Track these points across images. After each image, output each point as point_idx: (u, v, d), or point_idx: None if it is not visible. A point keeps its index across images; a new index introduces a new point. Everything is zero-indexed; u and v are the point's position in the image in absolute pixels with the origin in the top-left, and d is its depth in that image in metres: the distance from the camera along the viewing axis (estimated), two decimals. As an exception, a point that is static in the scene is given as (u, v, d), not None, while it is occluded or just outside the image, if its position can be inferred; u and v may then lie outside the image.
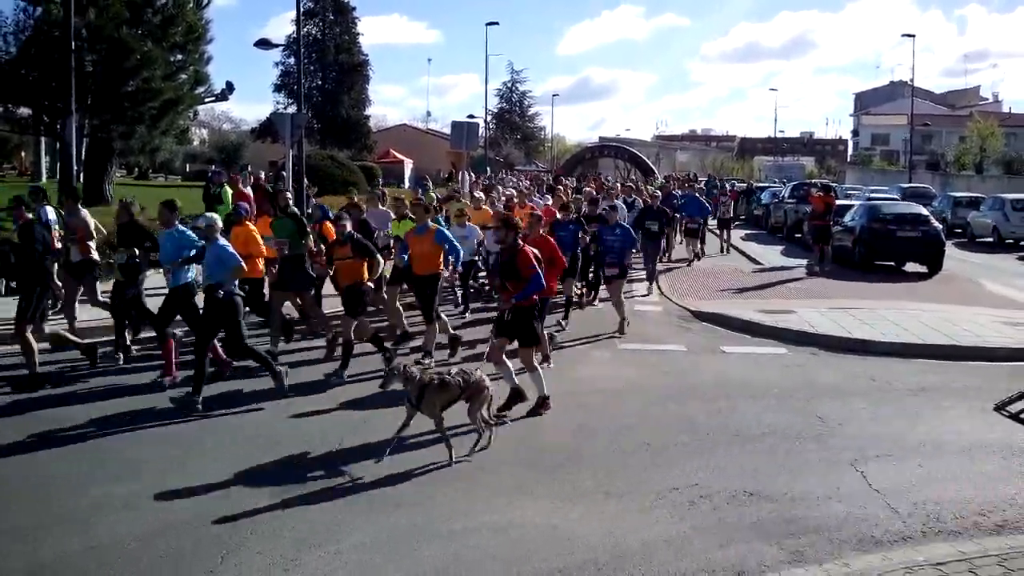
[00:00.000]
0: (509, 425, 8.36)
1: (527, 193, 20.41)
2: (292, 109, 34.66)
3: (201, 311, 9.51)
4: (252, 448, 7.70)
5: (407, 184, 51.00)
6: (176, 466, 7.25)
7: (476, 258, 14.91)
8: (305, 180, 21.08)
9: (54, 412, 8.67)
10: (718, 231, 25.75)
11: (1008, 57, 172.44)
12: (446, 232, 11.64)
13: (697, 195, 23.16)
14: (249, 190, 17.41)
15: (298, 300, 12.13)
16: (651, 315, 14.75)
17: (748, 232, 31.81)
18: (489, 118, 66.03)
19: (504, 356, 8.85)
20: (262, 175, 21.24)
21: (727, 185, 33.83)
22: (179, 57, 25.40)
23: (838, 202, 24.32)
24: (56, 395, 9.37)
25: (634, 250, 13.69)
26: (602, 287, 16.44)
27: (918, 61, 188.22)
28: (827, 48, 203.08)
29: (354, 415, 8.65)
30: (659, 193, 20.51)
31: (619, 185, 26.34)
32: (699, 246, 22.71)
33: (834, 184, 39.91)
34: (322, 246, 11.45)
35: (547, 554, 5.63)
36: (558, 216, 13.72)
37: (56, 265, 11.21)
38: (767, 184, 47.44)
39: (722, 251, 24.70)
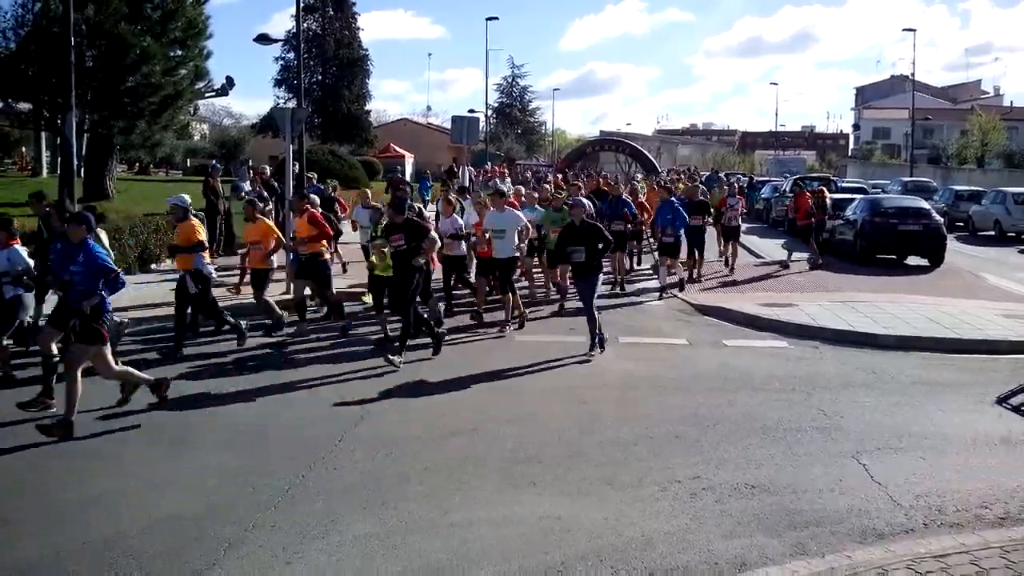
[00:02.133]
0: (511, 418, 8.36)
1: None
2: (292, 104, 34.65)
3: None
4: (251, 442, 7.73)
5: (408, 178, 50.99)
6: (174, 461, 7.26)
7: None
8: (313, 175, 21.07)
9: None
10: (722, 240, 19.78)
11: (1011, 51, 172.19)
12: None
13: (673, 200, 16.74)
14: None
15: None
16: (652, 309, 14.73)
17: (749, 226, 31.75)
18: (490, 113, 66.04)
19: None
20: (267, 171, 21.23)
21: (735, 182, 26.05)
22: (179, 52, 25.38)
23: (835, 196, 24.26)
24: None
25: (104, 293, 7.94)
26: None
27: (921, 55, 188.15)
28: (829, 42, 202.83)
29: (354, 409, 8.64)
30: (584, 201, 13.76)
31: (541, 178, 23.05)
32: (681, 271, 16.66)
33: (834, 178, 39.86)
34: None
35: (549, 547, 5.63)
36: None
37: None
38: (767, 178, 47.40)
39: (726, 264, 19.40)
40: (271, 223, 12.99)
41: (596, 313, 11.26)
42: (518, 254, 13.05)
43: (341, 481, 6.77)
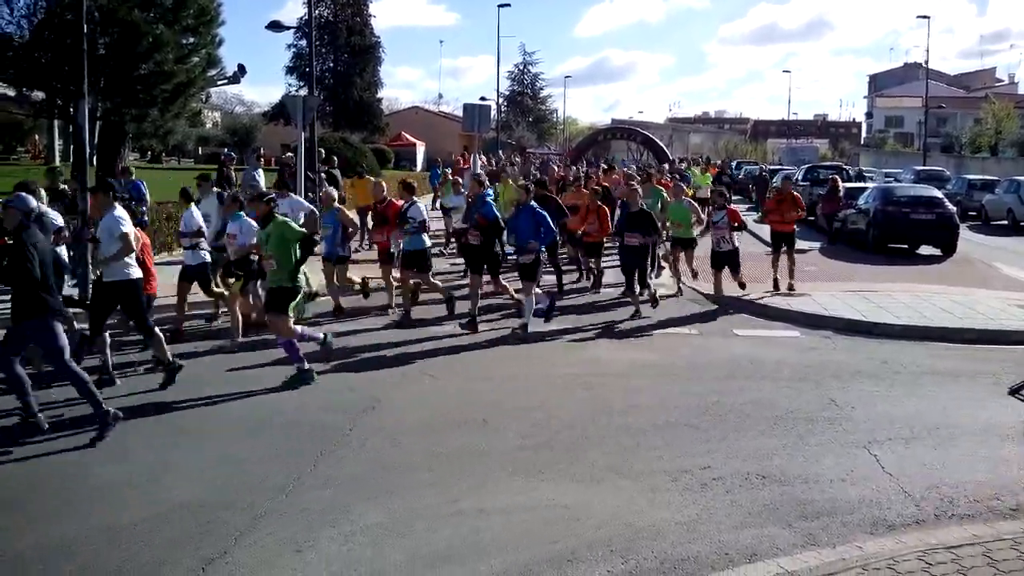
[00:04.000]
0: (521, 407, 8.37)
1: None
2: (304, 92, 34.64)
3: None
4: (259, 432, 7.74)
5: (419, 166, 51.00)
6: (182, 450, 7.27)
7: None
8: (334, 158, 20.95)
9: (54, 397, 8.61)
10: (712, 268, 14.47)
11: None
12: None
13: (534, 205, 12.18)
14: None
15: None
16: (664, 298, 14.66)
17: (756, 216, 31.61)
18: (501, 101, 65.97)
19: None
20: (293, 158, 21.25)
21: (719, 189, 16.50)
22: (191, 40, 25.35)
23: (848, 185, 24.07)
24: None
25: None
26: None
27: (937, 43, 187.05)
28: (845, 29, 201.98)
29: (363, 400, 8.65)
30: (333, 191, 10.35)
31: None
32: (533, 302, 11.85)
33: (846, 167, 39.72)
34: None
35: (558, 535, 5.63)
36: None
37: None
38: (780, 166, 47.21)
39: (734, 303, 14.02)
40: None
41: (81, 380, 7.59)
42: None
43: (350, 470, 6.78)
